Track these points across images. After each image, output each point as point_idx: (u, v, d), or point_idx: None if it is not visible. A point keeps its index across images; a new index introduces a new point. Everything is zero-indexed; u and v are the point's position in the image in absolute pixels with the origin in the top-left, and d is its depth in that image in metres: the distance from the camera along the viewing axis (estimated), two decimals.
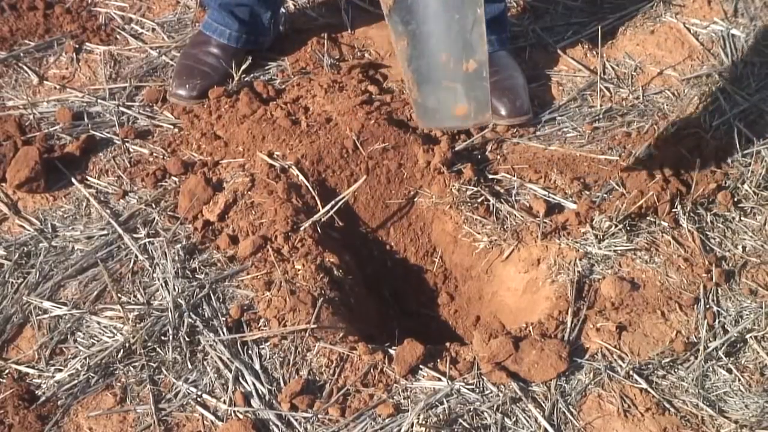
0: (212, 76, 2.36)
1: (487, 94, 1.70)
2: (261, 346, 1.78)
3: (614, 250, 1.96)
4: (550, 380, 1.72)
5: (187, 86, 2.33)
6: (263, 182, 2.08)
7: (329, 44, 2.56)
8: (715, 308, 1.85)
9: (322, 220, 2.06)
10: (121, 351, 1.77)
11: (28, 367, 1.77)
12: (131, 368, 1.75)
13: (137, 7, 2.72)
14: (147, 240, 1.99)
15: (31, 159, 2.10)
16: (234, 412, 1.67)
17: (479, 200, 2.09)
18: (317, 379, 1.73)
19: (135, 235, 2.00)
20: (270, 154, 2.16)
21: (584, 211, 2.04)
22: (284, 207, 2.02)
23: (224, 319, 1.82)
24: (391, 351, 1.76)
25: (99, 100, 2.37)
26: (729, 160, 2.18)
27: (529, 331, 1.79)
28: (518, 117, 2.27)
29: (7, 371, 1.76)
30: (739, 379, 1.73)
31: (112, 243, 1.99)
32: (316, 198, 2.08)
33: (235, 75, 2.37)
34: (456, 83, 1.70)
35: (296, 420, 1.66)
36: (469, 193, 2.10)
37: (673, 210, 2.04)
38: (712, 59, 2.50)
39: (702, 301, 1.86)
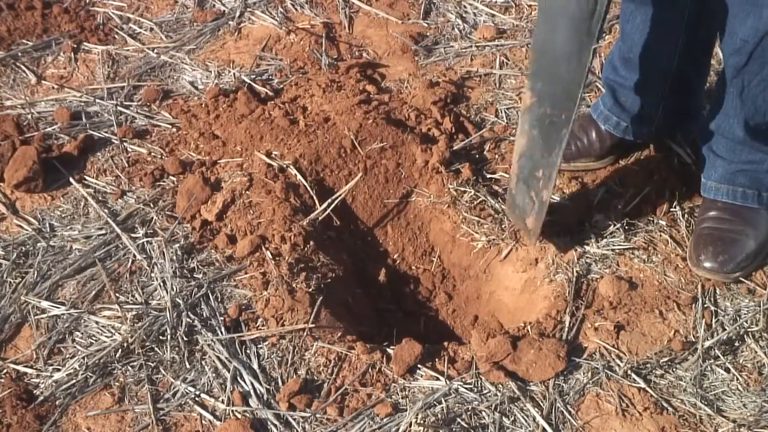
0: None
1: (538, 229, 1.89)
2: (259, 346, 1.78)
3: (612, 249, 1.96)
4: (549, 380, 1.72)
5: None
6: (261, 182, 2.08)
7: (327, 44, 2.56)
8: (712, 307, 1.85)
9: (320, 219, 2.06)
10: (119, 351, 1.77)
11: (26, 366, 1.77)
12: (129, 368, 1.75)
13: (135, 7, 2.72)
14: (145, 239, 1.99)
15: (29, 159, 2.10)
16: (232, 411, 1.67)
17: (477, 200, 2.09)
18: (315, 378, 1.73)
19: (133, 235, 2.00)
20: (268, 154, 2.16)
21: (582, 210, 2.03)
22: (282, 206, 2.02)
23: (222, 318, 1.82)
24: (390, 350, 1.76)
25: (97, 100, 2.37)
26: None
27: (527, 331, 1.79)
28: (712, 272, 1.89)
29: (5, 371, 1.76)
30: (737, 378, 1.73)
31: (110, 243, 1.99)
32: (314, 197, 2.08)
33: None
34: (536, 200, 1.86)
35: (294, 419, 1.66)
36: (467, 192, 2.10)
37: (671, 209, 2.05)
38: None
39: (700, 300, 1.86)
